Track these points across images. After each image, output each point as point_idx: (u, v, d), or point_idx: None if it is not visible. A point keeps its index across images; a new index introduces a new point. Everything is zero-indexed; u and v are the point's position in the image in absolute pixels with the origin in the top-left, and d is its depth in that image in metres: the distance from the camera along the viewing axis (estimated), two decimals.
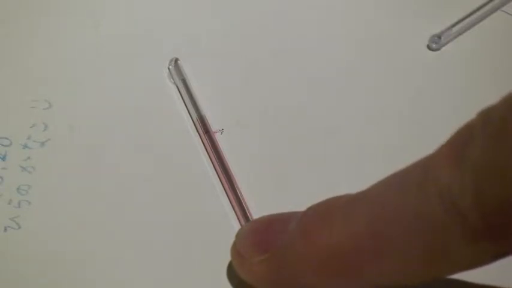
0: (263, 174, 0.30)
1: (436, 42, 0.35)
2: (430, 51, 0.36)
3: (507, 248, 0.20)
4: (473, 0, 0.37)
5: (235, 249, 0.25)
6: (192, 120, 0.32)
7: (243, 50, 0.35)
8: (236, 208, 0.29)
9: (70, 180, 0.30)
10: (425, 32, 0.36)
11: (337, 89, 0.34)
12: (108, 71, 0.33)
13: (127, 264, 0.27)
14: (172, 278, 0.27)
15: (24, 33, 0.35)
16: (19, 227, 0.28)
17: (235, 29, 0.36)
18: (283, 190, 0.30)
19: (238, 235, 0.26)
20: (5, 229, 0.28)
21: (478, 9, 0.37)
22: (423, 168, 0.20)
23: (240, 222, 0.29)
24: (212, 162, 0.30)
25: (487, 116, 0.19)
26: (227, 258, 0.26)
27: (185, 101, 0.32)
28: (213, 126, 0.32)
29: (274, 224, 0.25)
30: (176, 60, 0.34)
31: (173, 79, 0.33)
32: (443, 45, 0.36)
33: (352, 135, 0.32)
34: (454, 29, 0.36)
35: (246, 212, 0.29)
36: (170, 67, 0.33)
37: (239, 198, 0.29)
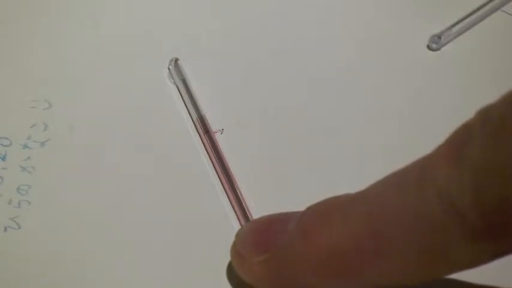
0: (263, 174, 0.30)
1: (436, 42, 0.35)
2: (430, 51, 0.36)
3: (506, 247, 0.20)
4: (473, 0, 0.37)
5: (235, 249, 0.25)
6: (192, 120, 0.32)
7: (243, 50, 0.35)
8: (236, 208, 0.29)
9: (70, 180, 0.30)
10: (425, 32, 0.36)
11: (337, 89, 0.34)
12: (108, 71, 0.33)
13: (127, 264, 0.27)
14: (173, 278, 0.27)
15: (24, 33, 0.35)
16: (19, 227, 0.28)
17: (235, 29, 0.36)
18: (283, 190, 0.30)
19: (238, 235, 0.26)
20: (5, 229, 0.28)
21: (478, 9, 0.37)
22: (422, 168, 0.20)
23: (240, 222, 0.29)
24: (212, 162, 0.30)
25: (485, 115, 0.19)
26: (227, 258, 0.26)
27: (185, 101, 0.32)
28: (213, 126, 0.32)
29: (274, 224, 0.25)
30: (176, 60, 0.34)
31: (173, 79, 0.33)
32: (443, 45, 0.36)
33: (352, 135, 0.32)
34: (454, 29, 0.36)
35: (246, 212, 0.29)
36: (170, 67, 0.33)
37: (239, 198, 0.29)
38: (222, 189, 0.30)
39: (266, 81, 0.34)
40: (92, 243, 0.28)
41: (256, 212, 0.29)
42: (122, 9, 0.36)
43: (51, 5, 0.36)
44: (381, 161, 0.31)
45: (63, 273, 0.27)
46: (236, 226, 0.28)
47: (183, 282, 0.27)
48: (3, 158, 0.30)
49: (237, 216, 0.29)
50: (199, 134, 0.31)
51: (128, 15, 0.36)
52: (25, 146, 0.30)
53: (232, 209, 0.29)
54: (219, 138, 0.31)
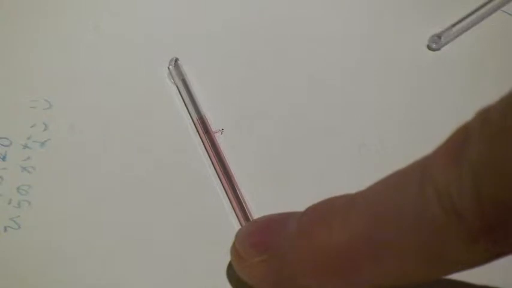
0: (263, 174, 0.30)
1: (436, 42, 0.35)
2: (430, 51, 0.36)
3: (506, 247, 0.20)
4: (473, 0, 0.37)
5: (235, 250, 0.25)
6: (192, 120, 0.32)
7: (243, 50, 0.35)
8: (236, 208, 0.29)
9: (70, 180, 0.30)
10: (425, 32, 0.36)
11: (337, 89, 0.34)
12: (108, 71, 0.33)
13: (127, 265, 0.27)
14: (173, 277, 0.27)
15: (24, 33, 0.35)
16: (19, 227, 0.28)
17: (235, 29, 0.36)
18: (283, 190, 0.30)
19: (237, 235, 0.26)
20: (5, 229, 0.28)
21: (478, 9, 0.37)
22: (421, 169, 0.20)
23: (240, 222, 0.29)
24: (212, 162, 0.30)
25: (485, 116, 0.19)
26: (227, 258, 0.26)
27: (185, 101, 0.32)
28: (213, 126, 0.32)
29: (274, 224, 0.25)
30: (176, 60, 0.34)
31: (173, 79, 0.33)
32: (443, 45, 0.36)
33: (352, 135, 0.32)
34: (454, 29, 0.36)
35: (246, 212, 0.29)
36: (170, 67, 0.33)
37: (239, 198, 0.29)
38: (222, 189, 0.30)
39: (266, 81, 0.34)
40: (92, 243, 0.28)
41: (256, 212, 0.29)
42: (122, 9, 0.36)
43: (51, 5, 0.36)
44: (380, 160, 0.31)
45: (63, 273, 0.27)
46: (236, 226, 0.28)
47: (183, 282, 0.27)
48: (3, 158, 0.30)
49: (237, 216, 0.29)
50: (199, 134, 0.31)
51: (128, 15, 0.36)
52: (25, 146, 0.30)
53: (232, 209, 0.29)
54: (219, 138, 0.31)
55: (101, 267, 0.27)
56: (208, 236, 0.28)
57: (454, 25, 0.36)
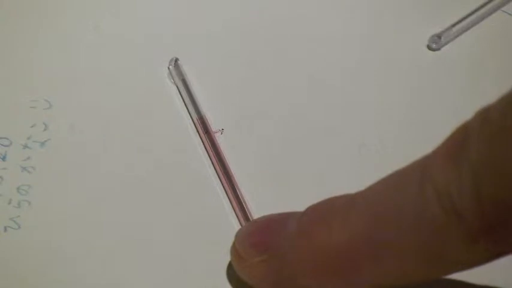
0: (263, 174, 0.30)
1: (436, 42, 0.35)
2: (430, 51, 0.36)
3: (506, 247, 0.20)
4: (473, 0, 0.37)
5: (235, 250, 0.25)
6: (192, 120, 0.32)
7: (243, 50, 0.35)
8: (236, 208, 0.29)
9: (70, 180, 0.30)
10: (425, 32, 0.36)
11: (337, 89, 0.34)
12: (108, 71, 0.33)
13: (127, 264, 0.27)
14: (173, 277, 0.27)
15: (24, 33, 0.35)
16: (19, 227, 0.28)
17: (235, 29, 0.36)
18: (283, 190, 0.30)
19: (237, 235, 0.26)
20: (5, 229, 0.28)
21: (478, 9, 0.37)
22: (421, 168, 0.20)
23: (240, 222, 0.29)
24: (212, 162, 0.30)
25: (484, 115, 0.19)
26: (227, 258, 0.26)
27: (185, 101, 0.32)
28: (213, 126, 0.32)
29: (273, 224, 0.25)
30: (176, 60, 0.34)
31: (173, 79, 0.33)
32: (443, 45, 0.36)
33: (352, 135, 0.32)
34: (454, 29, 0.36)
35: (246, 212, 0.29)
36: (170, 67, 0.33)
37: (239, 198, 0.29)
38: (222, 189, 0.30)
39: (266, 81, 0.34)
40: (92, 243, 0.28)
41: (256, 212, 0.29)
42: (122, 9, 0.36)
43: (51, 5, 0.36)
44: (380, 160, 0.31)
45: (63, 273, 0.27)
46: (236, 226, 0.28)
47: (183, 282, 0.27)
48: (3, 158, 0.30)
49: (237, 216, 0.29)
50: (199, 134, 0.31)
51: (128, 15, 0.36)
52: (25, 146, 0.30)
53: (232, 209, 0.29)
54: (219, 138, 0.31)
55: (101, 267, 0.27)
56: (208, 236, 0.28)
57: (454, 25, 0.36)
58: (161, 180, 0.30)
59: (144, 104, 0.32)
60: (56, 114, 0.32)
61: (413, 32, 0.36)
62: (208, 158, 0.31)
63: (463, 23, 0.36)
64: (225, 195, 0.29)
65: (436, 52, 0.36)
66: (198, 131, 0.31)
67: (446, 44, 0.36)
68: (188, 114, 0.32)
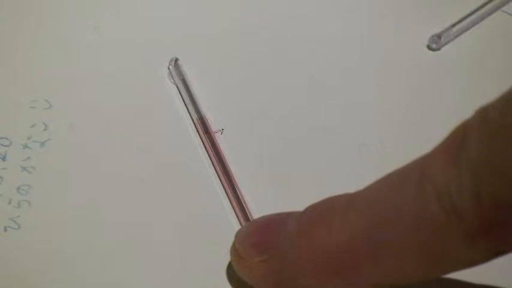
0: (263, 174, 0.30)
1: (436, 42, 0.35)
2: (430, 51, 0.36)
3: (505, 246, 0.20)
4: (473, 0, 0.37)
5: (235, 250, 0.25)
6: (192, 120, 0.32)
7: (242, 50, 0.35)
8: (236, 208, 0.29)
9: (70, 180, 0.30)
10: (425, 32, 0.36)
11: (337, 89, 0.34)
12: (108, 71, 0.33)
13: (127, 264, 0.27)
14: (173, 277, 0.27)
15: (24, 33, 0.35)
16: (19, 227, 0.28)
17: (235, 29, 0.36)
18: (283, 190, 0.30)
19: (237, 236, 0.26)
20: (5, 229, 0.28)
21: (478, 9, 0.37)
22: (420, 167, 0.20)
23: (240, 222, 0.29)
24: (212, 162, 0.30)
25: (484, 114, 0.19)
26: (227, 258, 0.26)
27: (185, 101, 0.32)
28: (213, 126, 0.32)
29: (273, 224, 0.25)
30: (176, 60, 0.34)
31: (173, 79, 0.33)
32: (443, 45, 0.36)
33: (352, 135, 0.32)
34: (454, 29, 0.36)
35: (246, 212, 0.29)
36: (170, 67, 0.33)
37: (239, 198, 0.29)
38: (222, 189, 0.30)
39: (266, 81, 0.34)
40: (92, 243, 0.28)
41: (256, 212, 0.29)
42: (122, 9, 0.36)
43: (51, 5, 0.36)
44: (380, 160, 0.31)
45: (63, 274, 0.27)
46: (236, 226, 0.28)
47: (183, 282, 0.27)
48: (3, 158, 0.30)
49: (237, 216, 0.29)
50: (199, 134, 0.31)
51: (128, 15, 0.36)
52: (25, 146, 0.30)
53: (232, 209, 0.29)
54: (219, 138, 0.31)
55: (101, 267, 0.27)
56: (208, 236, 0.28)
57: (454, 25, 0.36)
58: (161, 180, 0.30)
59: (144, 104, 0.32)
60: (56, 114, 0.32)
61: (413, 32, 0.36)
62: (208, 158, 0.31)
63: (463, 23, 0.36)
64: (225, 195, 0.29)
65: (436, 52, 0.36)
66: (198, 131, 0.31)
67: (446, 44, 0.36)
68: (188, 114, 0.32)
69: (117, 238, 0.28)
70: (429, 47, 0.36)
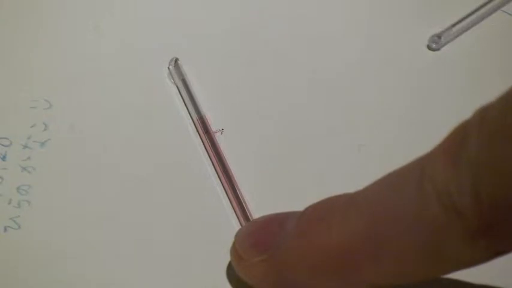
0: (263, 174, 0.30)
1: (436, 42, 0.35)
2: (430, 51, 0.36)
3: (505, 246, 0.20)
4: (473, 0, 0.37)
5: (235, 250, 0.25)
6: (192, 120, 0.32)
7: (243, 50, 0.35)
8: (236, 208, 0.29)
9: (70, 180, 0.30)
10: (425, 32, 0.36)
11: (337, 89, 0.34)
12: (108, 71, 0.33)
13: (127, 265, 0.27)
14: (173, 277, 0.27)
15: (24, 33, 0.35)
16: (19, 227, 0.28)
17: (235, 29, 0.36)
18: (283, 190, 0.30)
19: (237, 236, 0.26)
20: (5, 229, 0.28)
21: (478, 9, 0.37)
22: (420, 167, 0.20)
23: (240, 222, 0.29)
24: (212, 162, 0.30)
25: (483, 114, 0.19)
26: (227, 258, 0.26)
27: (185, 101, 0.32)
28: (213, 126, 0.32)
29: (273, 224, 0.25)
30: (176, 60, 0.34)
31: (173, 79, 0.33)
32: (443, 45, 0.36)
33: (352, 135, 0.32)
34: (454, 29, 0.36)
35: (246, 212, 0.29)
36: (170, 67, 0.33)
37: (239, 198, 0.29)
38: (222, 189, 0.30)
39: (266, 81, 0.34)
40: (92, 243, 0.28)
41: (256, 212, 0.29)
42: (122, 9, 0.36)
43: (51, 5, 0.36)
44: (380, 160, 0.31)
45: (63, 274, 0.27)
46: (236, 226, 0.28)
47: (183, 282, 0.27)
48: (3, 158, 0.30)
49: (237, 216, 0.29)
50: (199, 134, 0.31)
51: (128, 15, 0.36)
52: (25, 146, 0.30)
53: (232, 209, 0.29)
54: (219, 138, 0.31)
55: (101, 267, 0.27)
56: (208, 236, 0.28)
57: (454, 25, 0.36)
58: (161, 180, 0.30)
59: (144, 104, 0.32)
60: (56, 114, 0.32)
61: (413, 32, 0.36)
62: (208, 158, 0.31)
63: (463, 23, 0.36)
64: (225, 195, 0.29)
65: (436, 52, 0.36)
66: (198, 131, 0.31)
67: (446, 44, 0.36)
68: (188, 114, 0.32)
69: (117, 238, 0.28)
70: (429, 47, 0.36)
